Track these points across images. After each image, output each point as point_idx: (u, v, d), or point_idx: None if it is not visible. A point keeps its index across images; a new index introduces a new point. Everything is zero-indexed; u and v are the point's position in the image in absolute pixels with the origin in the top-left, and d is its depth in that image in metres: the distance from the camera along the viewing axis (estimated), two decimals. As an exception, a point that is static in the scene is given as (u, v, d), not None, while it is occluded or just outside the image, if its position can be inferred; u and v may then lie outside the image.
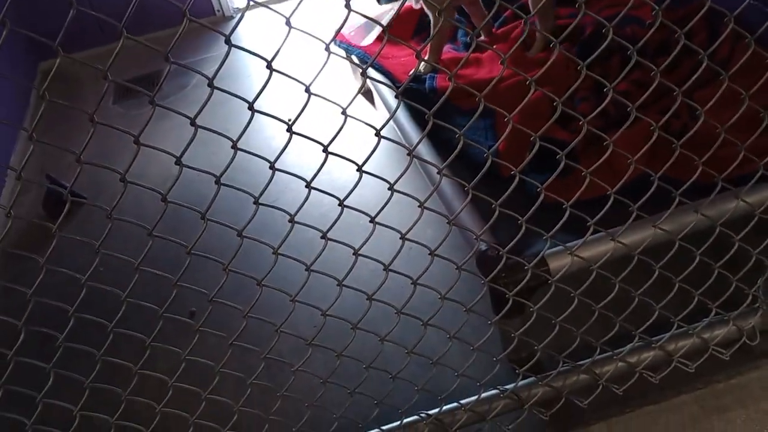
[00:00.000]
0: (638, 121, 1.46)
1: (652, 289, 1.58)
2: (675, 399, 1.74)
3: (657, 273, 1.56)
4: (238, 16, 3.12)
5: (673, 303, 1.63)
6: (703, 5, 1.31)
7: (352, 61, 3.20)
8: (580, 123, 1.34)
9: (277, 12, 1.05)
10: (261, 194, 1.15)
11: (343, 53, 3.17)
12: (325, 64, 1.07)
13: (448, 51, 2.92)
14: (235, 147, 1.08)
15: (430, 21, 3.10)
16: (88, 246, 1.12)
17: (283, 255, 1.25)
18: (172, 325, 1.33)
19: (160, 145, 1.03)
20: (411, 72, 2.69)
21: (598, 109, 1.38)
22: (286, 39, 1.03)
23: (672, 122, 2.07)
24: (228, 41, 0.99)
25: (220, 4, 4.77)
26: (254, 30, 4.47)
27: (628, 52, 1.30)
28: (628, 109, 1.36)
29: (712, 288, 1.64)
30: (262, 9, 4.54)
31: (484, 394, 1.67)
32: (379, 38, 3.06)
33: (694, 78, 1.41)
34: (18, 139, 3.73)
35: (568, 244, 1.55)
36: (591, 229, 1.49)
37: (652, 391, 1.74)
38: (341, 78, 3.49)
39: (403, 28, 3.12)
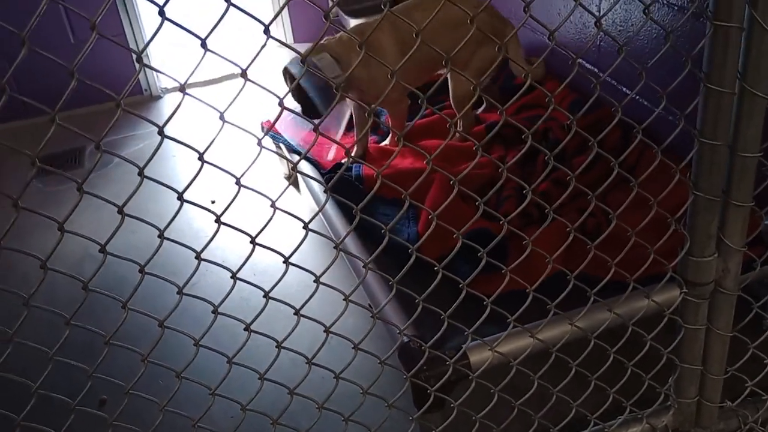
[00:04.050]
0: (556, 219, 1.53)
1: (570, 385, 1.61)
2: (589, 498, 1.75)
3: (574, 370, 1.60)
4: (175, 104, 3.18)
5: (589, 400, 1.67)
6: (613, 110, 1.41)
7: (279, 148, 3.23)
8: (501, 222, 1.39)
9: (212, 107, 1.06)
10: (185, 284, 1.14)
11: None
12: (256, 158, 1.08)
13: (371, 140, 3.00)
14: (162, 236, 1.07)
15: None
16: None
17: (204, 347, 1.22)
18: (82, 416, 1.26)
19: (77, 222, 1.01)
20: (344, 161, 2.73)
21: (519, 209, 1.44)
22: (219, 133, 1.05)
23: (588, 221, 2.17)
24: (161, 132, 1.00)
25: (147, 83, 4.74)
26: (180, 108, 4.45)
27: (546, 157, 1.37)
28: (546, 211, 1.42)
29: (627, 386, 1.69)
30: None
31: (403, 492, 1.64)
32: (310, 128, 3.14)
33: (607, 183, 1.50)
34: None
35: (488, 339, 1.58)
36: (511, 324, 1.52)
37: (568, 489, 1.75)
38: (266, 162, 3.51)
39: (330, 120, 3.20)
